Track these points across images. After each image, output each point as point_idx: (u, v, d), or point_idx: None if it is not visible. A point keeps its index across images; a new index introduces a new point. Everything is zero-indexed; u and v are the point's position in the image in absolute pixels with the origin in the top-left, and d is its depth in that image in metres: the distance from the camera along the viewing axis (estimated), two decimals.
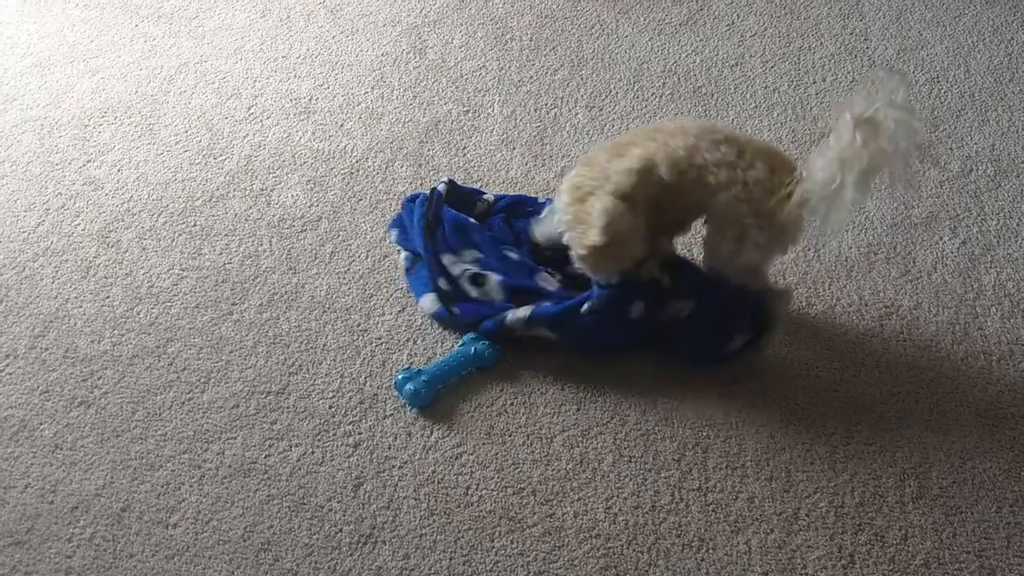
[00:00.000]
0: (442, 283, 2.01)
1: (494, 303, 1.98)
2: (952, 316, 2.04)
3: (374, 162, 2.38)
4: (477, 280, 2.01)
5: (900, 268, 2.13)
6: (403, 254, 2.10)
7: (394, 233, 2.13)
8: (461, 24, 2.79)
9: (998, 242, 2.19)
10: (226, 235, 2.22)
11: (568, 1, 2.86)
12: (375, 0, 2.87)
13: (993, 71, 2.63)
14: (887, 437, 1.84)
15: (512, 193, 2.23)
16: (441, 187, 2.13)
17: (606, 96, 2.56)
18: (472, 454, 1.82)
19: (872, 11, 2.81)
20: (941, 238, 2.19)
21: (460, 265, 2.03)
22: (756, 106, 2.52)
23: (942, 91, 2.57)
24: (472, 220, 2.11)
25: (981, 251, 2.17)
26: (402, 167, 2.36)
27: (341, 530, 1.72)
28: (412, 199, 2.15)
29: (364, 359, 1.97)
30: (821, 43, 2.71)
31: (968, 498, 1.75)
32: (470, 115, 2.51)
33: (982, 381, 1.93)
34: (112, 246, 2.20)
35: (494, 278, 1.99)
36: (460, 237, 2.06)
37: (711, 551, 1.69)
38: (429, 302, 2.00)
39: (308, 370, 1.95)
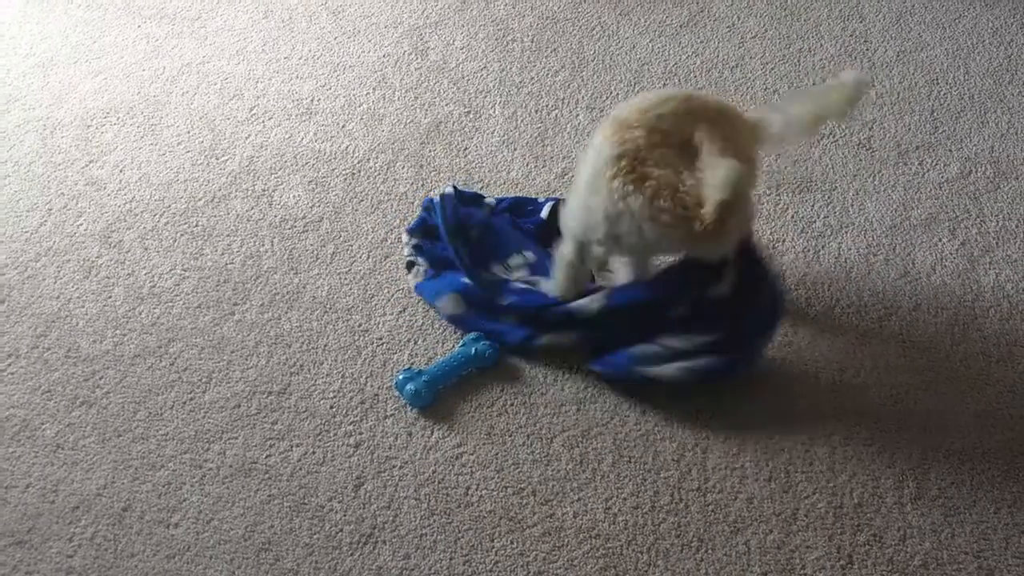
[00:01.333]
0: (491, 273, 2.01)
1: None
2: (951, 317, 2.05)
3: (376, 163, 2.39)
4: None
5: (899, 269, 2.13)
6: (418, 268, 2.07)
7: (417, 265, 2.08)
8: (463, 26, 2.80)
9: (997, 244, 2.19)
10: (228, 235, 2.22)
11: (569, 3, 2.87)
12: (377, 1, 2.88)
13: (992, 73, 2.63)
14: (886, 438, 1.84)
15: (512, 195, 2.24)
16: (449, 190, 2.13)
17: (607, 97, 2.56)
18: (472, 454, 1.82)
19: (872, 13, 2.82)
20: (940, 240, 2.20)
21: (514, 272, 2.04)
22: (756, 108, 2.53)
23: (942, 93, 2.57)
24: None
25: (980, 253, 2.17)
26: (404, 168, 2.37)
27: (342, 530, 1.72)
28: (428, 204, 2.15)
29: (365, 359, 1.97)
30: (821, 45, 2.72)
31: (967, 499, 1.76)
32: (471, 116, 2.51)
33: (981, 382, 1.94)
34: (114, 246, 2.21)
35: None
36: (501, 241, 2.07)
37: (710, 551, 1.69)
38: (450, 303, 1.98)
39: (309, 370, 1.96)
